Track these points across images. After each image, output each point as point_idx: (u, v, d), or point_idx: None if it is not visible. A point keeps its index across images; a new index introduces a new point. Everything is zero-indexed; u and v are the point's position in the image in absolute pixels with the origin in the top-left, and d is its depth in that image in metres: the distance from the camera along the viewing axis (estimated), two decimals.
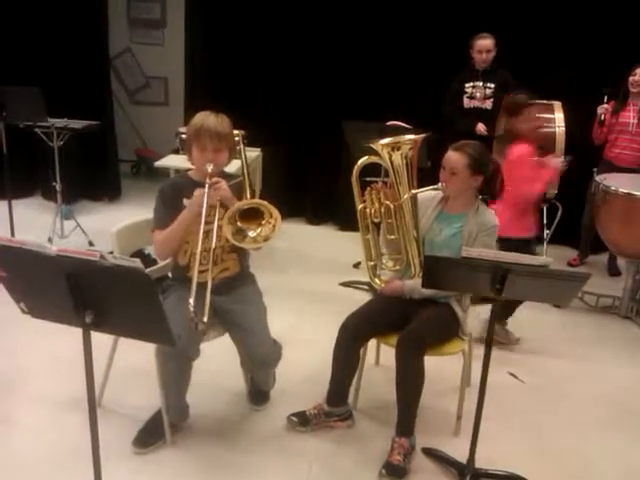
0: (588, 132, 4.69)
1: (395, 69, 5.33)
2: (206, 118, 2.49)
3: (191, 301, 2.28)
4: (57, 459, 2.50)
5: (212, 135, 2.45)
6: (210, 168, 2.43)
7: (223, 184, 2.43)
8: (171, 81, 7.15)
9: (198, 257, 2.42)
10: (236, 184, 2.50)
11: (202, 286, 2.40)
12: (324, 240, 5.48)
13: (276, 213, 2.34)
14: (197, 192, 2.42)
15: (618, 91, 4.49)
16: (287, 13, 5.39)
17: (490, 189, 2.75)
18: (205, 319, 2.34)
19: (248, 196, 2.42)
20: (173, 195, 2.56)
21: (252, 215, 2.36)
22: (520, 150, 3.62)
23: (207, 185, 2.40)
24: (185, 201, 2.53)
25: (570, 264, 5.03)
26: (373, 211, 2.76)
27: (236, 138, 2.66)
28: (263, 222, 2.36)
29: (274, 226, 2.35)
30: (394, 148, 2.66)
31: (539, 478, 2.54)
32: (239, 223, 2.35)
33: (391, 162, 2.67)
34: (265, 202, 2.34)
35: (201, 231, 2.38)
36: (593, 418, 3.02)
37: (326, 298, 4.15)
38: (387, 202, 2.72)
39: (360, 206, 2.79)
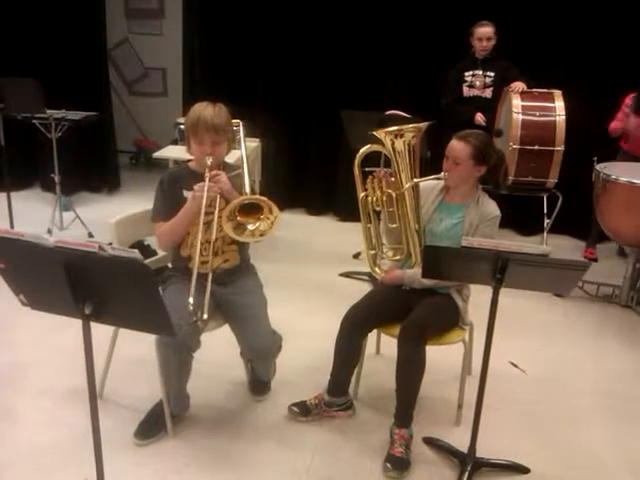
0: (588, 121, 4.67)
1: (394, 58, 5.30)
2: (203, 110, 2.45)
3: (190, 300, 2.28)
4: (59, 451, 2.51)
5: (209, 128, 2.42)
6: (209, 161, 2.42)
7: (223, 176, 2.41)
8: (169, 72, 7.12)
9: (198, 248, 2.42)
10: (236, 176, 2.49)
11: (203, 277, 2.41)
12: (324, 230, 5.48)
13: (276, 211, 2.33)
14: (197, 187, 2.39)
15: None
16: (285, 2, 5.36)
17: (493, 179, 2.74)
18: (205, 316, 2.35)
19: (247, 189, 2.40)
20: (173, 186, 2.55)
21: (251, 209, 2.34)
22: None
23: (207, 178, 2.38)
24: (185, 192, 2.52)
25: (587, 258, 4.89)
26: (375, 199, 2.75)
27: (235, 128, 2.65)
28: (262, 217, 2.35)
29: (272, 222, 2.33)
30: (397, 135, 2.64)
31: (540, 467, 2.54)
32: (238, 218, 2.34)
33: (393, 149, 2.66)
34: (265, 198, 2.32)
35: (201, 223, 2.38)
36: (594, 407, 3.02)
37: (326, 288, 4.15)
38: (389, 190, 2.71)
39: (362, 195, 2.78)
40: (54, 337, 3.23)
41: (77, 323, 1.77)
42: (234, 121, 2.61)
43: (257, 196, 2.35)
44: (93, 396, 1.86)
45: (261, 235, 2.36)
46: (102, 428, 1.91)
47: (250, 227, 2.36)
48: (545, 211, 4.80)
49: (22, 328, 3.38)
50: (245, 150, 2.63)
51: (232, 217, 2.32)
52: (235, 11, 5.50)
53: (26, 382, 2.97)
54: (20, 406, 2.79)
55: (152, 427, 2.61)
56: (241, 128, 2.71)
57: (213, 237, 2.44)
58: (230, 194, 2.41)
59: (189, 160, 2.65)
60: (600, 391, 3.15)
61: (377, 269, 2.85)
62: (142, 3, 7.04)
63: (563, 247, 5.08)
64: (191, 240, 2.55)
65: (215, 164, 2.45)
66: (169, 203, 2.53)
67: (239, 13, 5.49)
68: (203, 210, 2.37)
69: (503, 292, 2.21)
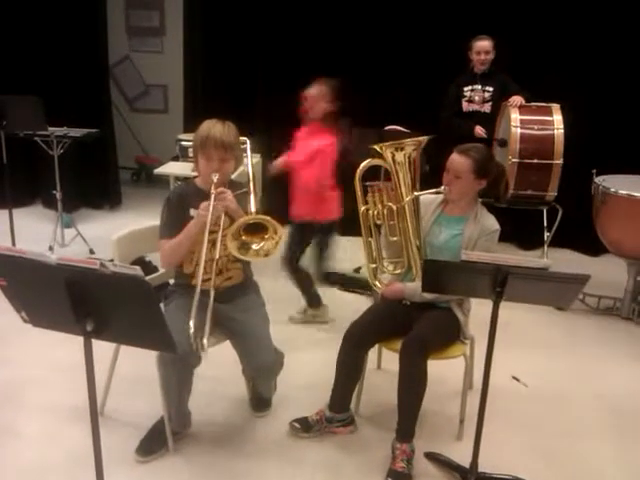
0: (587, 134, 4.69)
1: (393, 73, 5.32)
2: (213, 127, 2.46)
3: (191, 324, 2.29)
4: (60, 468, 2.50)
5: (218, 145, 2.43)
6: (216, 178, 2.41)
7: (229, 195, 2.40)
8: (170, 88, 7.17)
9: (202, 266, 2.39)
10: (242, 194, 2.48)
11: (205, 294, 2.41)
12: None
13: (281, 231, 2.32)
14: (202, 207, 2.39)
15: None
16: (285, 21, 5.40)
17: (493, 193, 2.75)
18: (205, 341, 2.35)
19: (253, 207, 2.38)
20: (180, 204, 2.54)
21: (256, 228, 2.33)
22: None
23: (213, 196, 2.38)
24: (192, 211, 2.51)
25: None
26: (376, 213, 2.76)
27: (242, 146, 2.65)
28: (266, 236, 2.33)
29: (277, 242, 2.33)
30: (397, 149, 2.67)
31: None
32: (243, 237, 2.33)
33: (394, 162, 2.67)
34: (270, 218, 2.30)
35: (205, 240, 2.38)
36: (596, 421, 3.00)
37: (326, 303, 4.13)
38: (390, 204, 2.72)
39: (362, 208, 2.79)
40: (55, 353, 3.22)
41: (78, 339, 1.77)
42: (241, 139, 2.61)
43: (262, 216, 2.32)
44: (94, 413, 1.86)
45: (265, 255, 2.34)
46: (103, 445, 1.91)
47: (254, 247, 2.34)
48: (545, 224, 4.80)
49: (22, 344, 3.38)
50: (252, 169, 2.59)
51: (237, 236, 2.31)
52: (235, 28, 5.54)
53: (26, 399, 2.96)
54: (20, 423, 2.78)
55: (153, 444, 2.60)
56: (248, 146, 2.71)
57: (217, 255, 2.40)
58: (236, 212, 2.40)
59: (195, 177, 2.65)
60: (602, 404, 3.14)
61: (377, 283, 2.86)
62: (143, 21, 7.10)
63: (564, 260, 5.07)
64: (195, 257, 2.54)
65: (221, 181, 2.44)
66: (176, 222, 2.51)
67: (239, 30, 5.53)
68: (208, 228, 2.37)
69: (504, 306, 2.21)
